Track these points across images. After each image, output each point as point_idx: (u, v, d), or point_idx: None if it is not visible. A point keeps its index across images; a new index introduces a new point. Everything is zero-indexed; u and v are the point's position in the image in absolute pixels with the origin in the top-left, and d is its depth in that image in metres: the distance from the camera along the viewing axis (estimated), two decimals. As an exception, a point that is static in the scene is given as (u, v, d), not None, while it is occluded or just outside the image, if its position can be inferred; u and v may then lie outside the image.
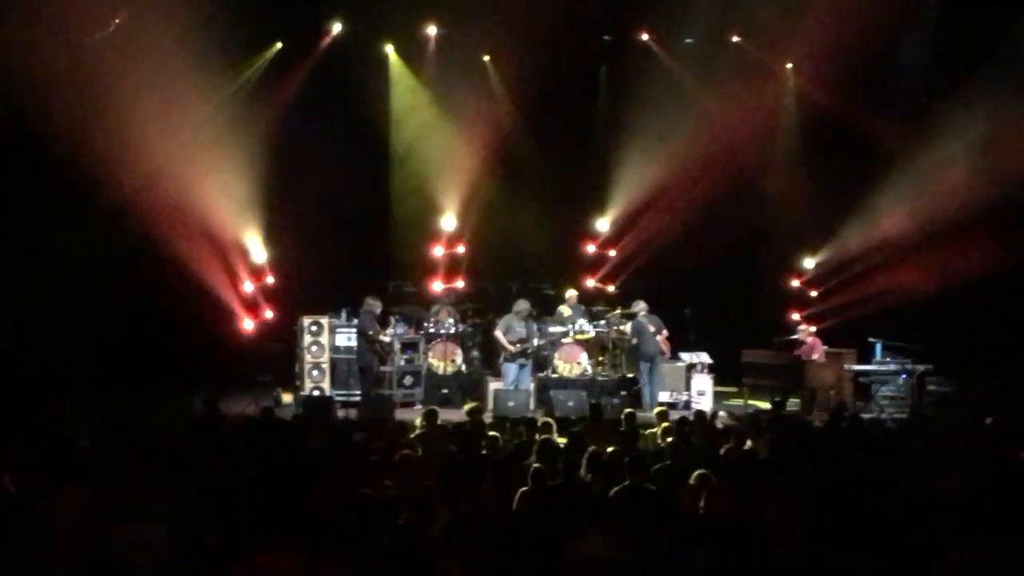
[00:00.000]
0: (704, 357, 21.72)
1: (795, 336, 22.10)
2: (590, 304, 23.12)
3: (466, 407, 16.85)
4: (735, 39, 24.39)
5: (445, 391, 21.09)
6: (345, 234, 23.44)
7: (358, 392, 20.52)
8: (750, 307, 23.91)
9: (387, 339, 21.01)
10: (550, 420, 14.49)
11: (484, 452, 12.10)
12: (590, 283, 24.62)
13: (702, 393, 21.19)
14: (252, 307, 22.62)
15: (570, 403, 19.26)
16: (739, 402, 21.31)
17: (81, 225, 20.36)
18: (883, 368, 20.69)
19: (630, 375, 21.44)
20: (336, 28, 23.61)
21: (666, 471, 10.50)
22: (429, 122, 24.19)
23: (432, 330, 21.68)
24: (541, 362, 21.51)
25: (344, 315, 21.36)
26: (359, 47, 23.67)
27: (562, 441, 12.68)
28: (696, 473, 9.62)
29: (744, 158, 24.18)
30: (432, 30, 24.17)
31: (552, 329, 21.71)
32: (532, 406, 20.00)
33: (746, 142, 24.20)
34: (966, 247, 21.52)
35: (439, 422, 14.43)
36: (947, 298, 21.56)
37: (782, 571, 7.28)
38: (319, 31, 23.56)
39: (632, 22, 24.47)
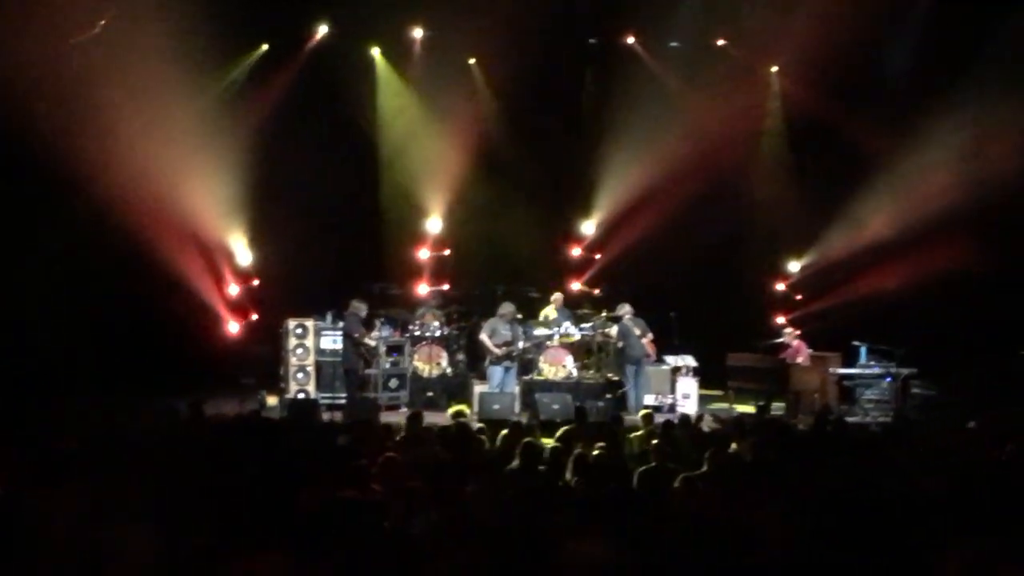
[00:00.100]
0: (689, 360, 21.77)
1: (780, 339, 22.15)
2: (575, 307, 23.14)
3: (451, 410, 16.85)
4: (720, 43, 24.46)
5: (430, 394, 21.08)
6: (330, 236, 23.44)
7: (343, 395, 20.50)
8: (735, 310, 23.94)
9: (372, 342, 21.00)
10: (535, 423, 14.51)
11: (469, 455, 12.10)
12: (575, 286, 24.63)
13: (687, 396, 21.23)
14: (237, 309, 22.59)
15: (555, 406, 19.28)
16: (724, 405, 21.36)
17: (65, 227, 20.32)
18: (867, 371, 20.73)
19: (615, 378, 21.46)
20: (322, 30, 23.62)
21: (651, 474, 10.52)
22: (415, 125, 24.20)
23: (417, 333, 21.68)
24: (526, 365, 21.53)
25: (329, 318, 21.32)
26: (345, 49, 23.70)
27: (548, 443, 12.69)
28: (681, 476, 9.64)
29: (729, 161, 24.21)
30: (418, 32, 24.20)
31: (537, 332, 21.73)
32: (517, 409, 20.01)
33: (731, 145, 24.24)
34: (950, 251, 21.58)
35: (424, 425, 14.44)
36: (931, 302, 21.66)
37: (769, 574, 7.29)
38: (305, 33, 23.56)
39: (618, 25, 24.52)
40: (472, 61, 24.56)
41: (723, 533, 7.63)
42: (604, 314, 22.20)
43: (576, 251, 25.34)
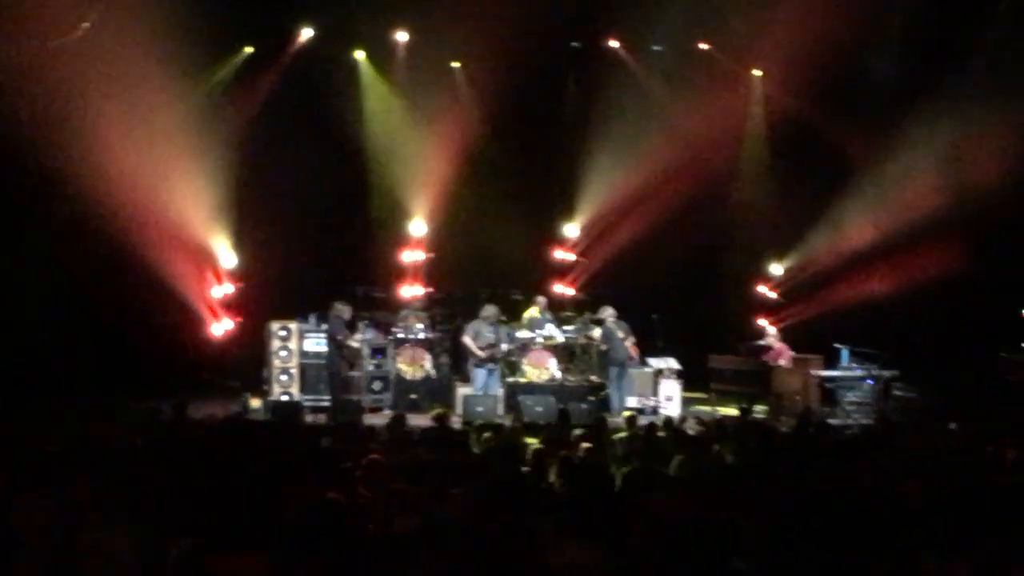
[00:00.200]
0: (672, 363, 21.82)
1: (763, 342, 22.20)
2: (558, 310, 23.17)
3: (432, 412, 16.83)
4: (703, 46, 24.48)
5: (414, 396, 21.07)
6: (314, 239, 23.43)
7: (327, 397, 20.50)
8: (718, 313, 24.02)
9: (356, 344, 20.99)
10: (518, 425, 14.54)
11: (453, 457, 12.11)
12: (558, 288, 24.66)
13: (670, 398, 21.30)
14: (221, 312, 22.54)
15: (539, 408, 19.33)
16: (707, 408, 21.41)
17: (47, 228, 20.30)
18: (849, 374, 20.79)
19: (598, 380, 21.49)
20: (306, 33, 23.60)
21: (635, 476, 10.54)
22: (399, 128, 24.16)
23: (401, 335, 21.68)
24: (510, 367, 21.55)
25: (313, 320, 21.31)
26: (329, 53, 23.66)
27: (532, 443, 12.72)
28: (664, 478, 9.67)
29: (712, 165, 24.29)
30: (402, 36, 24.17)
31: (520, 334, 21.75)
32: (501, 411, 20.03)
33: (714, 149, 24.31)
34: (932, 254, 21.70)
35: (407, 427, 14.46)
36: (913, 305, 21.78)
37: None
38: (289, 36, 23.53)
39: (600, 29, 24.52)
40: (456, 65, 24.54)
41: (706, 536, 7.67)
42: (586, 316, 22.25)
43: (559, 254, 25.33)
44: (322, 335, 20.88)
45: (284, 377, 20.87)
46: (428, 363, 21.68)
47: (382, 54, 24.42)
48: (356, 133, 23.95)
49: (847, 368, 20.90)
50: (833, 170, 23.48)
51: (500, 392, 20.71)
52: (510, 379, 21.29)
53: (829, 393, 20.96)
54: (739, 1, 22.49)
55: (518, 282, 23.48)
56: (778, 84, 24.34)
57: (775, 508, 8.51)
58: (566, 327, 22.24)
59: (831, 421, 18.60)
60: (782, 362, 21.61)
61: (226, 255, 22.63)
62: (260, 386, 21.18)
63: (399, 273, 23.90)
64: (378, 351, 21.44)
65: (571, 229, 25.33)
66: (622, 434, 14.65)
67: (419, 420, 16.81)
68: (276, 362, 20.90)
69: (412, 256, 24.02)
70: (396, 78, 24.41)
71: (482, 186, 23.87)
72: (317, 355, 21.03)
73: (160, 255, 21.49)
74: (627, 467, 11.08)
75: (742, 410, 18.34)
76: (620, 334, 21.26)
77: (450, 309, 23.00)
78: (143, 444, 12.28)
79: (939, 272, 21.36)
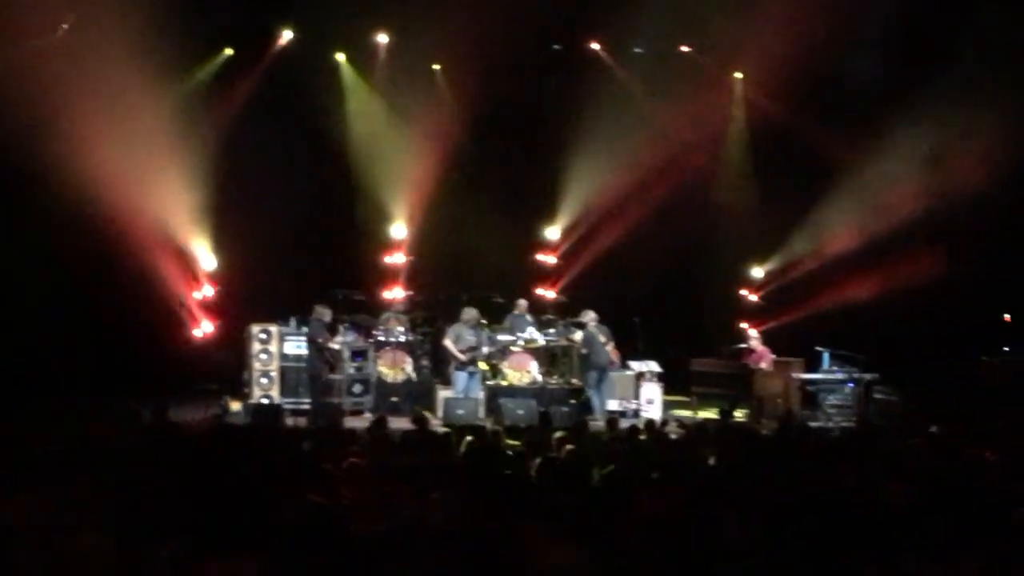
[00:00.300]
0: (653, 366, 21.82)
1: (745, 345, 22.19)
2: (540, 313, 23.15)
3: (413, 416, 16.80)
4: (684, 49, 24.49)
5: (395, 399, 21.04)
6: (295, 242, 23.36)
7: (307, 400, 20.45)
8: (699, 316, 24.03)
9: (337, 347, 20.95)
10: (500, 428, 14.52)
11: (433, 460, 12.09)
12: (539, 291, 24.65)
13: (651, 402, 21.31)
14: (200, 314, 22.46)
15: (520, 411, 19.33)
16: (688, 411, 21.40)
17: (26, 229, 20.23)
18: (830, 377, 20.81)
19: (580, 383, 21.48)
20: (286, 36, 23.54)
21: (616, 479, 10.53)
22: (380, 130, 24.12)
23: (382, 338, 21.66)
24: (491, 370, 21.52)
25: (293, 323, 21.26)
26: (310, 54, 23.59)
27: (513, 445, 12.71)
28: (646, 481, 9.67)
29: (693, 167, 24.31)
30: (383, 38, 24.13)
31: (501, 337, 21.73)
32: (482, 414, 20.01)
33: (695, 151, 24.35)
34: (912, 257, 21.76)
35: (388, 430, 14.43)
36: (893, 308, 21.84)
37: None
38: (269, 38, 23.47)
39: (582, 31, 24.50)
40: (436, 67, 24.50)
41: (691, 538, 7.66)
42: (568, 319, 22.24)
43: (541, 257, 25.31)
44: (302, 338, 20.83)
45: (264, 380, 20.84)
46: (409, 366, 21.65)
47: (363, 56, 24.38)
48: (337, 135, 23.88)
49: (828, 371, 20.92)
50: (814, 173, 23.50)
51: (481, 395, 20.68)
52: (491, 382, 21.25)
53: (810, 396, 20.96)
54: (720, 4, 22.47)
55: (499, 285, 23.42)
56: (759, 87, 24.36)
57: (758, 511, 8.50)
58: (547, 330, 22.21)
59: (812, 424, 18.63)
60: (763, 365, 21.60)
61: (206, 257, 22.55)
62: (240, 389, 21.13)
63: (380, 276, 23.86)
64: (359, 354, 21.39)
65: (552, 232, 25.30)
66: (603, 437, 14.65)
67: (400, 423, 16.75)
68: (256, 365, 20.86)
69: (393, 259, 23.98)
70: (377, 80, 24.37)
71: (463, 189, 23.85)
72: (297, 358, 20.99)
73: (140, 257, 21.43)
74: (609, 469, 11.08)
75: (723, 413, 18.33)
76: (601, 339, 21.24)
77: (431, 312, 22.96)
78: (125, 446, 12.23)
79: (920, 275, 21.42)
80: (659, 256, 24.08)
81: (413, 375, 21.67)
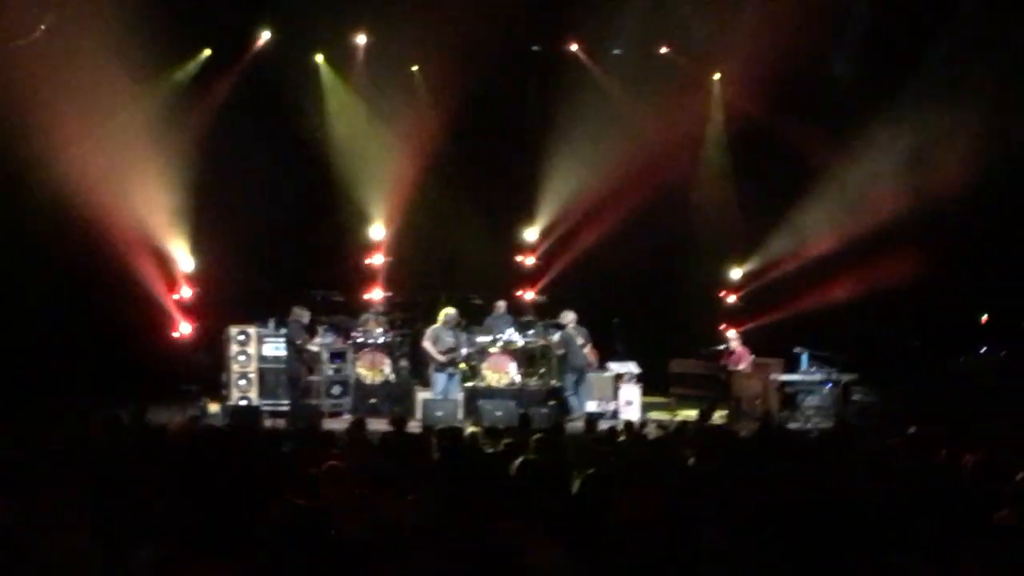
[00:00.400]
0: (632, 367, 21.84)
1: (724, 346, 22.22)
2: (519, 314, 23.15)
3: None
4: (663, 50, 24.50)
5: (373, 401, 21.01)
6: (273, 243, 23.31)
7: (286, 402, 20.40)
8: (678, 317, 24.04)
9: (315, 348, 20.91)
10: (478, 430, 14.51)
11: (412, 462, 12.06)
12: (519, 292, 24.64)
13: (630, 403, 21.31)
14: (178, 316, 22.38)
15: (498, 413, 19.30)
16: (667, 412, 21.42)
17: (1, 229, 20.16)
18: (808, 378, 20.87)
19: (558, 384, 21.48)
20: (265, 36, 23.48)
21: (595, 480, 10.52)
22: (359, 131, 24.09)
23: (360, 340, 21.63)
24: (470, 371, 21.51)
25: (272, 325, 21.22)
26: (288, 55, 23.52)
27: (492, 447, 12.69)
28: (626, 482, 9.65)
29: (672, 169, 24.29)
30: (361, 39, 24.09)
31: (480, 339, 21.72)
32: (461, 416, 19.98)
33: (674, 152, 24.32)
34: (891, 259, 21.79)
35: (367, 432, 14.40)
36: (872, 309, 21.88)
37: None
38: (248, 39, 23.40)
39: (561, 33, 24.50)
40: (415, 68, 24.47)
41: (667, 540, 7.65)
42: (547, 320, 22.25)
43: (520, 258, 25.30)
44: (281, 340, 20.78)
45: (243, 382, 20.81)
46: (388, 367, 21.63)
47: (341, 57, 24.35)
48: (316, 136, 23.84)
49: (807, 372, 20.97)
50: (792, 174, 23.53)
51: (460, 396, 20.65)
52: (470, 383, 21.27)
53: (789, 397, 21.01)
54: (699, 5, 22.49)
55: (479, 286, 23.41)
56: (738, 88, 24.36)
57: (737, 512, 8.50)
58: (526, 331, 22.20)
59: (791, 425, 18.68)
60: (742, 366, 21.64)
61: (184, 259, 22.48)
62: (218, 391, 21.08)
63: (359, 277, 23.82)
64: (337, 355, 21.36)
65: (531, 233, 25.28)
66: (582, 438, 14.65)
67: (378, 425, 16.71)
68: (235, 367, 20.84)
69: (372, 260, 23.95)
70: (355, 81, 24.35)
71: (443, 190, 23.83)
72: (276, 359, 20.95)
73: (117, 258, 21.36)
74: (588, 471, 11.07)
75: (702, 414, 18.36)
76: (579, 340, 21.24)
77: (410, 313, 22.93)
78: (103, 448, 12.18)
79: (899, 277, 21.45)
80: (638, 257, 24.11)
81: (392, 377, 21.65)
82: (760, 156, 23.92)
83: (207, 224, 22.42)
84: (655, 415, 21.30)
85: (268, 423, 18.41)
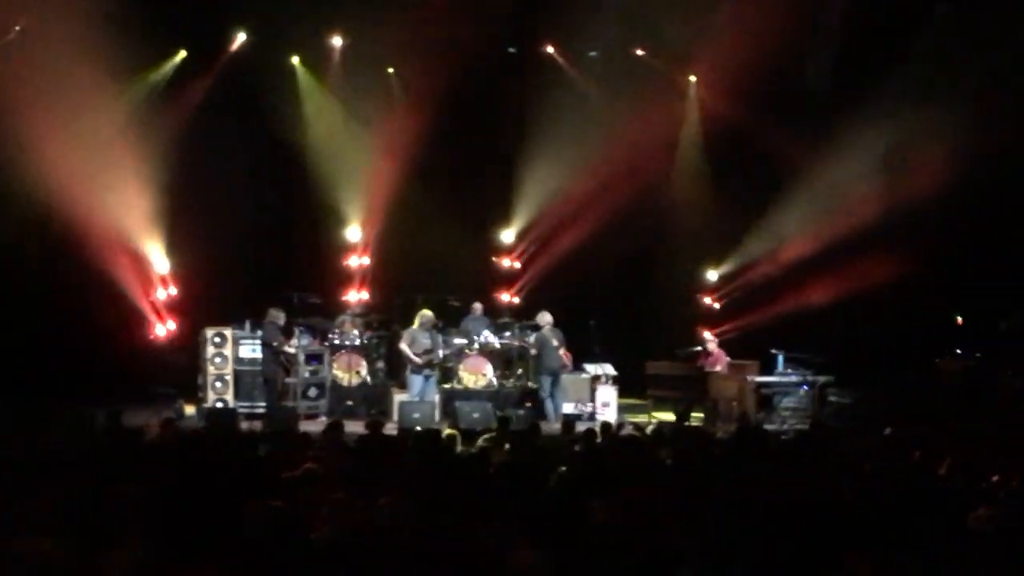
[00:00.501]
0: (609, 369, 21.85)
1: (700, 347, 22.25)
2: (495, 316, 23.15)
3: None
4: (639, 52, 24.51)
5: (350, 403, 21.00)
6: (249, 245, 23.25)
7: (262, 404, 20.33)
8: (654, 319, 24.07)
9: (291, 350, 20.86)
10: (455, 432, 14.49)
11: (388, 464, 12.05)
12: (497, 295, 24.65)
13: (607, 405, 21.32)
14: (154, 317, 22.31)
15: (475, 415, 19.30)
16: (644, 414, 21.43)
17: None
18: (785, 379, 20.89)
19: (535, 386, 21.48)
20: (240, 38, 23.42)
21: (572, 482, 10.53)
22: (335, 133, 24.03)
23: (337, 341, 21.60)
24: (446, 373, 21.50)
25: (248, 326, 21.16)
26: (264, 57, 23.45)
27: (469, 449, 12.70)
28: (602, 484, 9.66)
29: (648, 170, 24.32)
30: (337, 41, 24.05)
31: (457, 341, 21.72)
32: (437, 418, 19.96)
33: (650, 154, 24.35)
34: (867, 260, 21.87)
35: (343, 435, 14.37)
36: (848, 310, 21.95)
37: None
38: (223, 40, 23.33)
39: (537, 35, 24.50)
40: (391, 70, 24.44)
41: (644, 541, 7.66)
42: (523, 322, 22.26)
43: (497, 260, 25.29)
44: (257, 341, 20.73)
45: (218, 384, 20.74)
46: (364, 369, 21.61)
47: (317, 59, 24.30)
48: (292, 138, 23.75)
49: (783, 374, 21.00)
50: (769, 176, 23.59)
51: (437, 398, 20.64)
52: (447, 385, 21.26)
53: (765, 399, 21.02)
54: (675, 7, 22.50)
55: (455, 288, 23.39)
56: (714, 89, 24.40)
57: (714, 513, 8.52)
58: (503, 333, 22.20)
59: (767, 426, 18.71)
60: (719, 368, 21.67)
61: (160, 260, 22.39)
62: (194, 393, 21.02)
63: (335, 279, 23.77)
64: (314, 357, 21.32)
65: (508, 235, 25.27)
66: (558, 440, 14.66)
67: (355, 427, 16.69)
68: (211, 369, 20.76)
69: (348, 262, 23.92)
70: (332, 83, 24.29)
71: (419, 191, 23.74)
72: (252, 362, 20.88)
73: (93, 258, 21.28)
74: (565, 472, 11.08)
75: (679, 416, 18.38)
76: (554, 342, 21.21)
77: (386, 315, 22.91)
78: (78, 450, 12.13)
79: (875, 278, 21.52)
80: (614, 259, 24.16)
81: (368, 379, 21.63)
82: (736, 158, 23.99)
83: (183, 225, 22.33)
84: (632, 417, 21.31)
85: (244, 425, 18.35)
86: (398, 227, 23.92)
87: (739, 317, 23.83)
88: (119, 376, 20.53)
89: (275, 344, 20.19)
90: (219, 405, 20.25)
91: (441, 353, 20.97)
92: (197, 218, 22.19)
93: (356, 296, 23.47)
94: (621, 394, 21.77)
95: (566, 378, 21.42)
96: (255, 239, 23.44)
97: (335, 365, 21.39)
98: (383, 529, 8.13)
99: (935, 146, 21.52)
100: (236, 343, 20.95)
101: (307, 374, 21.16)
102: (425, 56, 22.13)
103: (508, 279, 25.18)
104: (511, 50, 24.83)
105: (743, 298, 24.21)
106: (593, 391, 21.57)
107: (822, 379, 20.66)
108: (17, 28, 20.19)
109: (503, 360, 22.01)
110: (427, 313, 20.94)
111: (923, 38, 22.10)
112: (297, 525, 7.79)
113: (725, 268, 24.99)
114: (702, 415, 20.72)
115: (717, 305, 24.87)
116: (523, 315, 22.96)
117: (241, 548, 7.18)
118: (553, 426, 18.81)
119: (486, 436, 14.52)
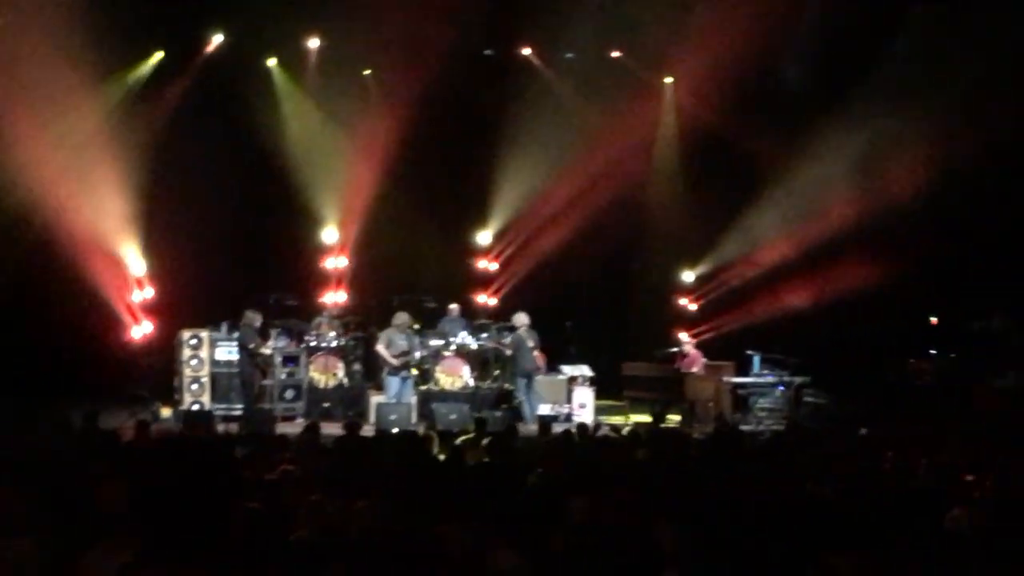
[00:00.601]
0: (585, 370, 21.88)
1: (676, 349, 22.29)
2: (472, 317, 23.15)
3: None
4: (615, 54, 24.55)
5: (327, 405, 20.97)
6: (226, 246, 23.17)
7: (239, 406, 20.29)
8: (630, 320, 24.12)
9: (268, 352, 20.83)
10: (432, 433, 14.51)
11: (365, 466, 12.05)
12: (474, 296, 24.66)
13: (583, 406, 21.32)
14: (130, 319, 22.24)
15: (452, 416, 19.31)
16: (620, 415, 21.45)
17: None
18: (761, 380, 20.94)
19: (511, 388, 21.49)
20: (217, 39, 23.37)
21: (549, 483, 10.55)
22: (312, 134, 24.01)
23: (313, 343, 21.56)
24: (423, 375, 21.49)
25: (224, 328, 21.11)
26: (241, 58, 23.41)
27: (445, 451, 12.71)
28: (579, 485, 9.69)
29: (625, 172, 24.36)
30: (314, 43, 24.01)
31: (433, 342, 21.71)
32: (414, 419, 19.96)
33: (626, 156, 24.39)
34: (842, 263, 21.96)
35: (320, 436, 14.37)
36: (823, 312, 22.03)
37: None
38: (200, 42, 23.28)
39: (513, 37, 24.50)
40: (368, 72, 24.42)
41: (620, 542, 7.68)
42: (500, 323, 22.27)
43: (473, 261, 25.29)
44: (233, 343, 20.69)
45: (195, 386, 20.68)
46: (341, 371, 21.58)
47: (294, 61, 24.26)
48: (269, 140, 23.69)
49: (759, 375, 21.05)
50: (745, 178, 23.65)
51: (413, 400, 20.63)
52: (423, 387, 21.25)
53: (741, 399, 21.08)
54: (651, 9, 22.53)
55: (432, 289, 23.39)
56: (690, 92, 24.46)
57: (690, 514, 8.55)
58: (480, 334, 22.21)
59: (743, 427, 18.75)
60: (695, 369, 21.71)
61: (136, 261, 22.32)
62: (171, 395, 20.97)
63: (312, 281, 23.73)
64: (290, 359, 21.29)
65: (484, 236, 25.27)
66: (535, 441, 14.68)
67: (332, 429, 16.68)
68: (187, 371, 20.70)
69: (325, 263, 23.89)
70: (309, 85, 24.25)
71: (396, 193, 23.74)
72: (228, 364, 20.83)
73: (69, 260, 21.21)
74: (542, 473, 11.10)
75: (655, 417, 18.41)
76: (530, 343, 21.21)
77: (363, 317, 22.86)
78: (54, 452, 12.10)
79: (850, 279, 21.61)
80: (591, 260, 24.18)
81: (345, 380, 21.60)
82: (712, 160, 24.05)
83: (159, 227, 22.28)
84: (608, 418, 21.33)
85: (221, 427, 18.30)
86: (375, 229, 23.90)
87: (715, 318, 23.90)
88: (95, 378, 20.47)
89: (252, 346, 20.18)
90: (196, 407, 20.19)
91: (418, 355, 20.98)
92: (173, 219, 22.16)
93: (333, 298, 23.40)
94: (598, 395, 21.78)
95: (541, 379, 21.43)
96: (231, 241, 23.34)
97: (312, 367, 21.36)
98: (361, 531, 8.14)
99: (911, 149, 21.61)
100: (213, 345, 20.89)
101: (284, 376, 21.14)
102: (402, 58, 22.13)
103: (485, 280, 25.19)
104: (488, 52, 24.82)
105: (719, 299, 24.28)
106: (570, 392, 21.59)
107: (798, 380, 20.72)
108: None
109: (480, 361, 22.00)
110: (403, 315, 20.94)
111: (900, 41, 22.17)
112: (275, 527, 7.79)
113: (701, 269, 25.05)
114: (679, 416, 20.77)
115: (693, 306, 24.93)
116: (500, 316, 22.96)
117: (219, 549, 7.18)
118: (530, 427, 18.81)
119: (463, 437, 14.56)
